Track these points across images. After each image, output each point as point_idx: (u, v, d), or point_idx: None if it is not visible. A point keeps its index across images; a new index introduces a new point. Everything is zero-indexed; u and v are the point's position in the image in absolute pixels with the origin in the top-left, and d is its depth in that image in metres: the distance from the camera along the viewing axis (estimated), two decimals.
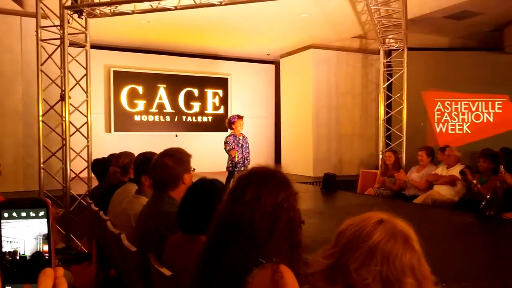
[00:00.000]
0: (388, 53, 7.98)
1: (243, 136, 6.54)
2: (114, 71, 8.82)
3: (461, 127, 8.84)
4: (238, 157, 6.32)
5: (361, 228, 0.94)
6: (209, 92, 9.77)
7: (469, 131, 8.78)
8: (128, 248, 2.20)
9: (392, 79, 7.87)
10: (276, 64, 10.13)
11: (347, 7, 6.67)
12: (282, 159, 9.75)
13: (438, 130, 8.82)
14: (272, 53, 9.65)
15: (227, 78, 9.85)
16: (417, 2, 6.33)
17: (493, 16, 7.51)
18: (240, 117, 6.51)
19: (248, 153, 6.55)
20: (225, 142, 6.44)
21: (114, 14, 5.42)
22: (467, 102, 8.84)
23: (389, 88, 8.01)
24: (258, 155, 9.13)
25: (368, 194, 6.51)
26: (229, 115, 9.75)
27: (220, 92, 9.85)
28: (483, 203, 4.44)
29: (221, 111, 9.86)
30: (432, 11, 7.00)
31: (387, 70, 7.93)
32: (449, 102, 8.86)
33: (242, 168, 6.26)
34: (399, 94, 7.69)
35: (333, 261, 0.94)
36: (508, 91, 8.68)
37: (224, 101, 9.87)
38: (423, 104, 8.80)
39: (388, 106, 7.99)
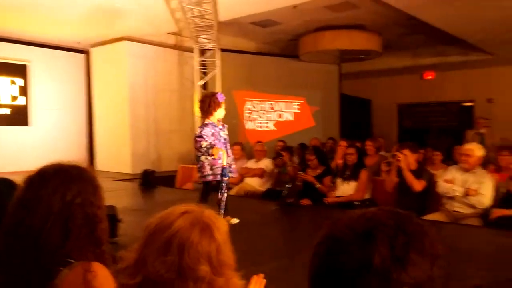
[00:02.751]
0: (203, 52, 8.29)
1: (222, 125, 4.15)
2: None
3: (267, 124, 9.81)
4: (225, 157, 3.93)
5: (163, 220, 0.95)
6: (4, 80, 8.45)
7: (274, 128, 9.82)
8: None
9: (206, 78, 8.21)
10: (88, 53, 9.42)
11: (161, 2, 6.66)
12: (97, 156, 9.16)
13: (247, 127, 9.59)
14: (83, 42, 8.94)
15: (25, 65, 8.67)
16: (227, 6, 6.73)
17: (290, 27, 8.53)
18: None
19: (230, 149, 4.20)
20: (198, 137, 3.91)
21: None
22: (271, 102, 9.85)
23: (204, 86, 8.34)
24: (69, 151, 8.37)
25: (187, 189, 6.66)
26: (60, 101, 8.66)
27: (20, 80, 8.63)
28: (285, 192, 5.05)
29: (21, 102, 8.64)
30: (241, 17, 7.56)
31: (202, 69, 8.23)
32: (257, 102, 9.71)
33: (231, 175, 4.05)
34: None
35: (137, 255, 0.93)
36: (305, 94, 10.01)
37: (24, 91, 8.68)
38: (234, 103, 9.43)
39: None
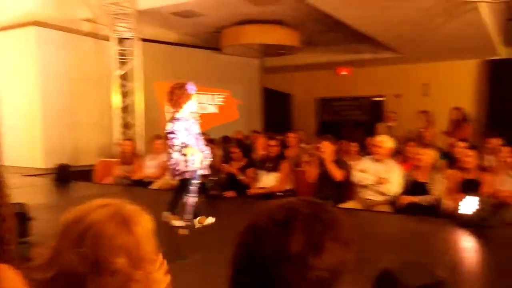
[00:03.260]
0: (121, 41, 7.95)
1: (195, 118, 3.88)
2: None
3: None
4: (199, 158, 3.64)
5: (80, 213, 0.93)
6: None
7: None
8: None
9: (126, 68, 7.90)
10: None
11: None
12: (5, 150, 8.39)
13: None
14: None
15: None
16: None
17: (213, 19, 8.48)
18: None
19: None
20: (170, 133, 3.61)
21: None
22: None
23: (124, 76, 8.02)
24: None
25: (107, 184, 6.39)
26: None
27: None
28: (209, 184, 5.05)
29: None
30: (161, 6, 7.35)
31: (120, 59, 7.90)
32: None
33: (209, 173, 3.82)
34: (133, 84, 7.80)
35: (52, 250, 0.90)
36: (229, 87, 10.04)
37: None
38: (156, 95, 9.17)
39: (124, 95, 8.00)
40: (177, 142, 3.54)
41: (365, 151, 6.61)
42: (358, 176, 4.74)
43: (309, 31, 8.93)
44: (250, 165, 5.53)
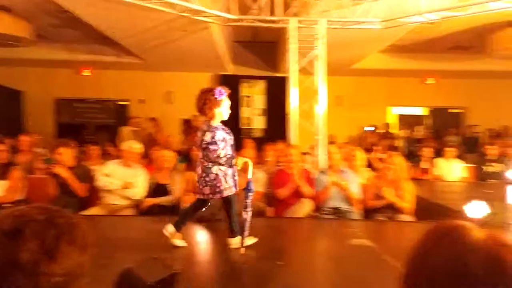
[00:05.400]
0: None
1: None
2: None
3: None
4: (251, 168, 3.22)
5: None
6: None
7: None
8: None
9: None
10: None
11: None
12: None
13: None
14: None
15: None
16: None
17: None
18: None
19: None
20: (211, 143, 3.06)
21: None
22: None
23: None
24: None
25: None
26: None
27: None
28: None
29: None
30: None
31: None
32: None
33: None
34: None
35: None
36: None
37: None
38: None
39: None
40: (222, 153, 3.08)
41: (109, 154, 6.51)
42: (102, 180, 4.63)
43: (42, 24, 8.08)
44: None
